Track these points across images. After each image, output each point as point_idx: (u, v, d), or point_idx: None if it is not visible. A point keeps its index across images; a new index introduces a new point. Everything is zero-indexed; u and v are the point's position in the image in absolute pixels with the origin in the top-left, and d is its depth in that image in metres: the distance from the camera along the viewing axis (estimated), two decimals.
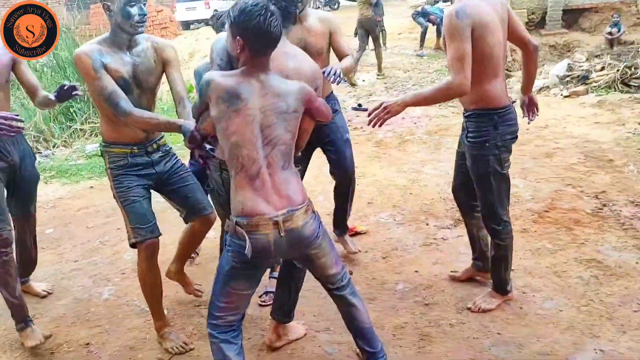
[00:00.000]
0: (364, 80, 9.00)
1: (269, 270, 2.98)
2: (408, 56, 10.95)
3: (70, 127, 7.23)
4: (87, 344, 2.65)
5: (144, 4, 2.30)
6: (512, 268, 2.70)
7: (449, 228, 3.59)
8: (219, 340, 1.98)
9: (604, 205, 3.69)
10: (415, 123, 6.18)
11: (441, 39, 10.31)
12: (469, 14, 2.22)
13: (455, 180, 2.79)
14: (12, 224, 2.66)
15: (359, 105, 6.56)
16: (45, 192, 4.83)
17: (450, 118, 6.26)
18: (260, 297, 2.86)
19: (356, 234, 3.48)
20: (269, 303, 2.79)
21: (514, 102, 2.54)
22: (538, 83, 7.57)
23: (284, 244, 1.86)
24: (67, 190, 5.02)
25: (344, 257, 3.25)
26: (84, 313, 2.91)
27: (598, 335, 2.39)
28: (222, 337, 1.97)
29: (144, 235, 2.39)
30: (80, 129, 7.14)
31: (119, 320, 2.82)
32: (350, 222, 3.46)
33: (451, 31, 2.25)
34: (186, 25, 16.82)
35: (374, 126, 2.38)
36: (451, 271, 3.00)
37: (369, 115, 2.36)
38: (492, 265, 2.66)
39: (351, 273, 3.09)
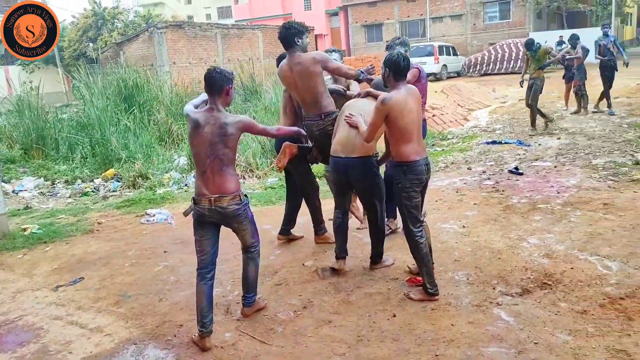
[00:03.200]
0: (539, 144, 8.90)
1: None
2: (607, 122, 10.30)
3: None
4: None
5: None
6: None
7: (511, 296, 3.81)
8: (198, 273, 3.41)
9: None
10: (558, 192, 6.13)
11: None
12: (388, 105, 3.55)
13: None
14: None
15: (516, 168, 7.21)
16: None
17: (601, 192, 6.01)
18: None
19: (418, 284, 3.96)
20: None
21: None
22: None
23: (214, 213, 3.28)
24: None
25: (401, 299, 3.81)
26: None
27: None
28: (199, 271, 3.41)
29: None
30: None
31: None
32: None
33: (375, 110, 3.66)
34: None
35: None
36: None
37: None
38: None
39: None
